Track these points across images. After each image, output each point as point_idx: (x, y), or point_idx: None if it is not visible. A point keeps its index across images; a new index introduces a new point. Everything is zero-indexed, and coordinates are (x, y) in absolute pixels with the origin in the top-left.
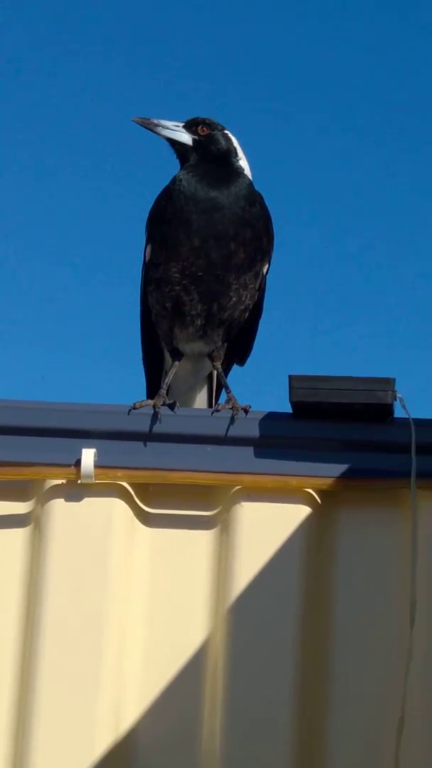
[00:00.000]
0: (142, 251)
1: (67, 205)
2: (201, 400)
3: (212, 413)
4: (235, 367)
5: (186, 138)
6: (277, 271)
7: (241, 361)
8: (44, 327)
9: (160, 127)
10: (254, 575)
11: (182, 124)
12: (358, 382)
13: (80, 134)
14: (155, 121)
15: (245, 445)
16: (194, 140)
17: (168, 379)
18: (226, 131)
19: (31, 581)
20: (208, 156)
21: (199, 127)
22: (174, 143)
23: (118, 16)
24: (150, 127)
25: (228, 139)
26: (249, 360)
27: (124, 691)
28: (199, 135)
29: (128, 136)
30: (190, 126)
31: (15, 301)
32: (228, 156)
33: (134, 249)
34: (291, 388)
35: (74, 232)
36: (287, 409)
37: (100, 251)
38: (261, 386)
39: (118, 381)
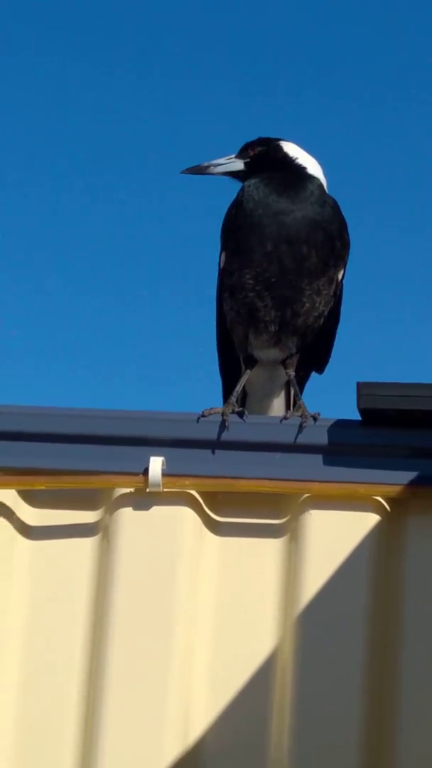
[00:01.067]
0: (218, 259)
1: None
2: (278, 407)
3: (281, 421)
4: (314, 374)
5: (239, 165)
6: (353, 276)
7: (320, 369)
8: (112, 337)
9: (212, 167)
10: (323, 584)
11: (234, 155)
12: (426, 388)
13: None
14: (206, 164)
15: (314, 453)
16: (246, 163)
17: (239, 387)
18: (281, 141)
19: (100, 590)
20: (267, 168)
21: (248, 151)
22: (230, 175)
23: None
24: (203, 172)
25: (281, 148)
26: (328, 367)
27: (192, 700)
28: (249, 157)
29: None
30: (241, 154)
31: (85, 311)
32: (289, 162)
33: (208, 257)
34: (359, 395)
35: (145, 235)
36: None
37: (172, 259)
38: (338, 393)
39: (195, 388)
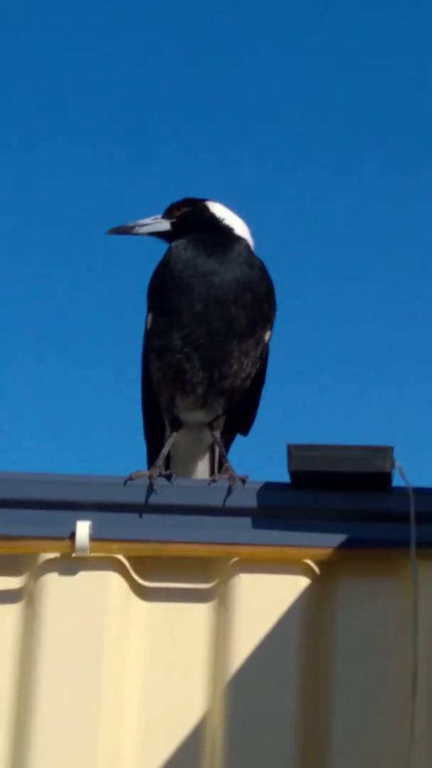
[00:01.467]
0: (143, 321)
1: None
2: (203, 470)
3: (209, 483)
4: (238, 436)
5: (166, 225)
6: (279, 336)
7: (245, 431)
8: (36, 397)
9: (137, 227)
10: (253, 649)
11: (160, 215)
12: (357, 450)
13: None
14: (131, 224)
15: (243, 516)
16: (172, 223)
17: (165, 450)
18: (207, 202)
19: (24, 659)
20: (193, 229)
21: (174, 211)
22: (156, 235)
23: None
24: (127, 231)
25: (207, 209)
26: (252, 429)
27: None
28: (176, 217)
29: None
30: (167, 214)
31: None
32: (216, 223)
33: (133, 318)
34: (290, 456)
35: (66, 299)
36: (288, 477)
37: (97, 321)
38: (264, 453)
39: (119, 452)
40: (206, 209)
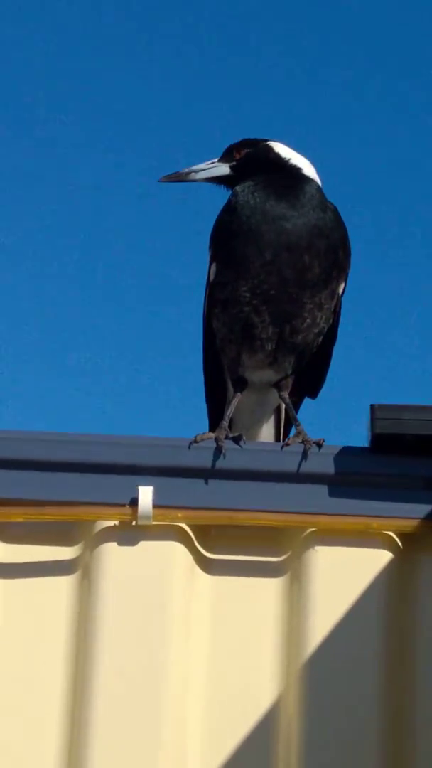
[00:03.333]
0: (206, 272)
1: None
2: (267, 435)
3: (282, 447)
4: (306, 400)
5: (224, 169)
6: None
7: (314, 394)
8: (91, 352)
9: (193, 173)
10: (329, 631)
11: (217, 159)
12: None
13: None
14: (185, 171)
15: (319, 483)
16: (232, 167)
17: (230, 411)
18: (269, 142)
19: (80, 636)
20: (257, 172)
21: (233, 154)
22: (215, 181)
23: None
24: (182, 178)
25: (271, 149)
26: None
27: (187, 758)
28: (235, 160)
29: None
30: (225, 157)
31: (55, 324)
32: (282, 163)
33: (195, 268)
34: (373, 419)
35: (122, 252)
36: (358, 444)
37: (153, 271)
38: (331, 422)
39: (178, 414)
40: (270, 149)
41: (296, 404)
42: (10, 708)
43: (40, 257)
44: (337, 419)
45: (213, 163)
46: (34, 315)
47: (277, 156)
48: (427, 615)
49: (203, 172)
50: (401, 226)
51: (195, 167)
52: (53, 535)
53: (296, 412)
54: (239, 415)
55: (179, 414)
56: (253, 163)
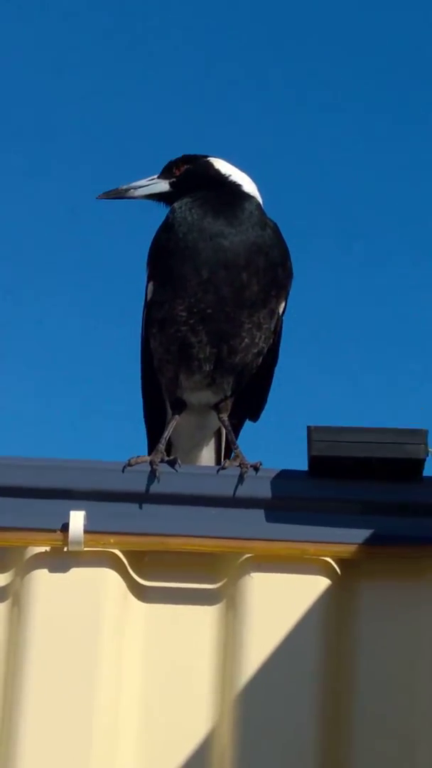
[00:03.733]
0: (143, 291)
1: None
2: (207, 458)
3: (218, 471)
4: (247, 423)
5: (164, 186)
6: (295, 309)
7: (254, 417)
8: (29, 372)
9: (132, 190)
10: (265, 659)
11: (156, 176)
12: (386, 433)
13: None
14: (125, 187)
15: (255, 507)
16: (171, 183)
17: (167, 434)
18: (209, 158)
19: (8, 666)
20: (196, 188)
21: (173, 170)
22: (154, 198)
23: None
24: (121, 195)
25: (211, 165)
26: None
27: None
28: (175, 177)
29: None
30: (165, 174)
31: None
32: (222, 180)
33: (133, 289)
34: (310, 441)
35: (55, 270)
36: (301, 467)
37: (97, 291)
38: (273, 444)
39: (114, 437)
40: (210, 165)
41: (237, 427)
42: None
43: None
44: (281, 442)
45: (153, 179)
46: None
47: (217, 172)
48: (366, 642)
49: (142, 189)
50: (343, 240)
51: (134, 183)
52: None
53: (236, 436)
54: (179, 438)
55: (118, 437)
56: (192, 179)
